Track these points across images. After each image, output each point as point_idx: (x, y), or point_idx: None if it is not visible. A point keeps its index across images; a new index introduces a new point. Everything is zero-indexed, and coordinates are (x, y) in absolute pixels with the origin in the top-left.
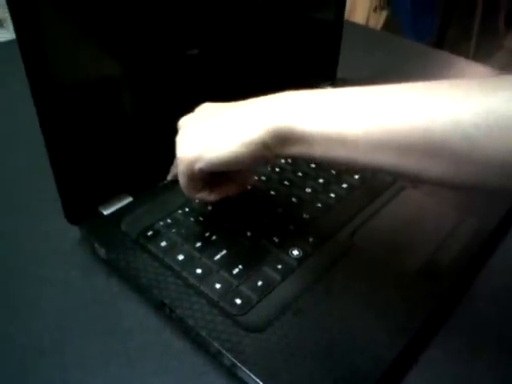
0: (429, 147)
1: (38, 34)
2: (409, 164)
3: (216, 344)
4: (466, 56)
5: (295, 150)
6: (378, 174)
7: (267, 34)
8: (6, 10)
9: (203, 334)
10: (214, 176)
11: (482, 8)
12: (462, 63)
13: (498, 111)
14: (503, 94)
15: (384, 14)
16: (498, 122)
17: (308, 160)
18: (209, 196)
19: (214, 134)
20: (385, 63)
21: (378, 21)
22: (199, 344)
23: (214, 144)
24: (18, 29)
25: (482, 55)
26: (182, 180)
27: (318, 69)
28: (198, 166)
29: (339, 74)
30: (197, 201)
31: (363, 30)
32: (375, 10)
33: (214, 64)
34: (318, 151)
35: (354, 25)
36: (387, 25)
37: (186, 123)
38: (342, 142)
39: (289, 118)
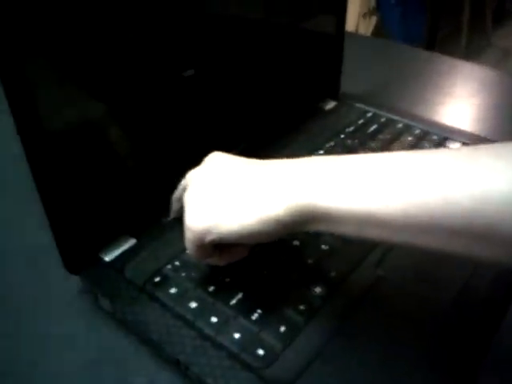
0: (480, 231)
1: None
2: (457, 247)
3: None
4: (457, 55)
5: (317, 228)
6: None
7: (266, 54)
8: None
9: None
10: None
11: (470, 8)
12: (463, 66)
13: None
14: None
15: (373, 19)
16: None
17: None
18: (219, 261)
19: (227, 205)
20: (384, 72)
21: (367, 27)
22: None
23: (228, 218)
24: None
25: (473, 54)
26: (188, 247)
27: (321, 86)
28: (208, 238)
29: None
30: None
31: (356, 38)
32: (364, 16)
33: (213, 86)
34: (347, 230)
35: (347, 33)
36: (377, 30)
37: (195, 181)
38: (375, 222)
39: (310, 195)
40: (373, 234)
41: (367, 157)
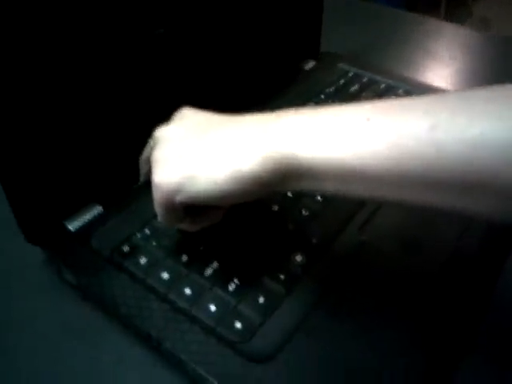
0: (472, 181)
1: None
2: (448, 200)
3: (216, 382)
4: None
5: (300, 185)
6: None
7: (243, 13)
8: None
9: (200, 370)
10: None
11: None
12: (444, 27)
13: None
14: None
15: None
16: None
17: (315, 193)
18: (190, 227)
19: (198, 161)
20: (367, 33)
21: None
22: (195, 381)
23: (199, 175)
24: None
25: (453, 22)
26: (157, 209)
27: (300, 45)
28: (178, 198)
29: (322, 48)
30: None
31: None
32: None
33: (184, 45)
34: (330, 186)
35: None
36: None
37: (163, 137)
38: (361, 175)
39: (291, 146)
40: (358, 188)
41: (350, 106)
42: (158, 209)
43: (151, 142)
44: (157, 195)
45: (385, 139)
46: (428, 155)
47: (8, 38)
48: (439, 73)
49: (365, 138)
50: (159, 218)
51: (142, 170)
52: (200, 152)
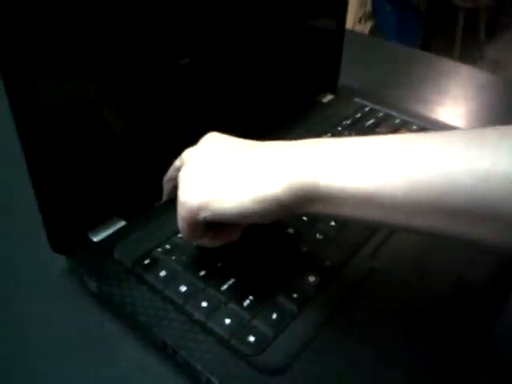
0: (482, 210)
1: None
2: (457, 229)
3: None
4: None
5: (317, 209)
6: None
7: (266, 46)
8: None
9: (213, 379)
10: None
11: (464, 20)
12: (459, 68)
13: None
14: None
15: (369, 25)
16: None
17: (332, 217)
18: (210, 242)
19: (223, 182)
20: (382, 69)
21: (362, 32)
22: None
23: (223, 195)
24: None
25: (466, 65)
26: (181, 225)
27: (319, 79)
28: (202, 215)
29: (340, 83)
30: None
31: (356, 36)
32: (360, 21)
33: (209, 75)
34: (345, 212)
35: (347, 31)
36: (372, 36)
37: (191, 158)
38: (376, 202)
39: (311, 173)
40: (372, 215)
41: (368, 138)
42: (181, 224)
43: (176, 162)
44: (182, 211)
45: (400, 169)
46: (440, 185)
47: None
48: (452, 111)
49: (381, 167)
50: (181, 234)
51: (166, 189)
52: (225, 175)
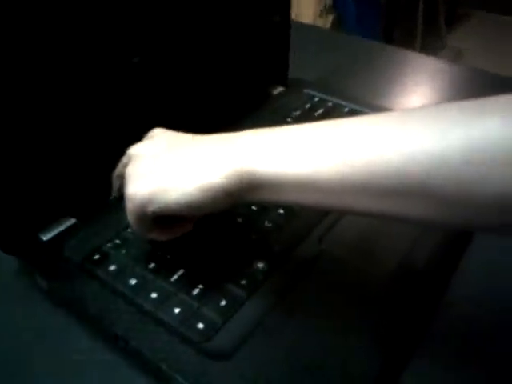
0: (410, 189)
1: None
2: (392, 207)
3: (179, 377)
4: None
5: (261, 196)
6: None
7: (213, 40)
8: None
9: (163, 366)
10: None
11: (423, 10)
12: (414, 57)
13: (489, 141)
14: (492, 119)
15: (330, 18)
16: (492, 153)
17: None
18: (161, 236)
19: (168, 174)
20: (336, 61)
21: (324, 25)
22: (160, 378)
23: (169, 186)
24: None
25: (427, 54)
26: (130, 219)
27: (269, 72)
28: (150, 209)
29: (291, 75)
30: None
31: (311, 29)
32: (321, 14)
33: (158, 72)
34: (287, 197)
35: (302, 25)
36: (333, 29)
37: (136, 154)
38: (312, 186)
39: (250, 161)
40: (312, 199)
41: (304, 125)
42: (130, 219)
43: (124, 159)
44: (130, 206)
45: (334, 153)
46: (372, 166)
47: None
48: (404, 100)
49: (316, 152)
50: (132, 228)
51: (115, 186)
52: (171, 167)
